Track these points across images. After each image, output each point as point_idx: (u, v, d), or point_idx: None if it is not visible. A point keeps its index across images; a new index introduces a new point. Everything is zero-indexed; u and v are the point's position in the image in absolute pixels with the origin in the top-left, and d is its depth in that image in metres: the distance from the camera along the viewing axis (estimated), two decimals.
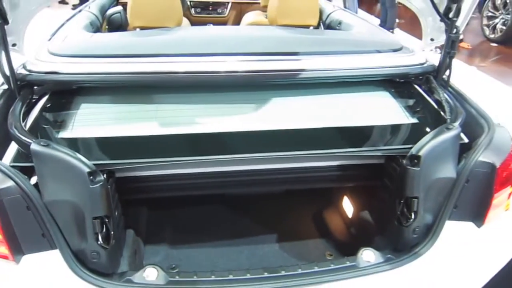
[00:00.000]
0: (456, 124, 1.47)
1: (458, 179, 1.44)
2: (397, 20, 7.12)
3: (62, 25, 2.06)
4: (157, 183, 1.61)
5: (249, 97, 1.71)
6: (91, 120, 1.57)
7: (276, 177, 1.71)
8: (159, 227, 1.97)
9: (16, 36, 1.65)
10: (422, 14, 1.97)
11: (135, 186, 1.62)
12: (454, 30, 1.71)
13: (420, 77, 1.82)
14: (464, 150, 1.50)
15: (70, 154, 1.26)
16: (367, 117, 1.71)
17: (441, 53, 1.76)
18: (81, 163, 1.25)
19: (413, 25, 2.05)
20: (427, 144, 1.40)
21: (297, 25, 2.30)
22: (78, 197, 1.26)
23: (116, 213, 1.42)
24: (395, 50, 1.81)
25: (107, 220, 1.31)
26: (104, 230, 1.31)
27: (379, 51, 1.78)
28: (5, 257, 1.26)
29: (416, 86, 1.84)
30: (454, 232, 1.48)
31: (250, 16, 3.16)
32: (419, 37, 2.07)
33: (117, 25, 2.65)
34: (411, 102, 1.79)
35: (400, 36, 6.26)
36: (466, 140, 1.56)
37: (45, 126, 1.50)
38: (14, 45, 1.65)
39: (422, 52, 1.88)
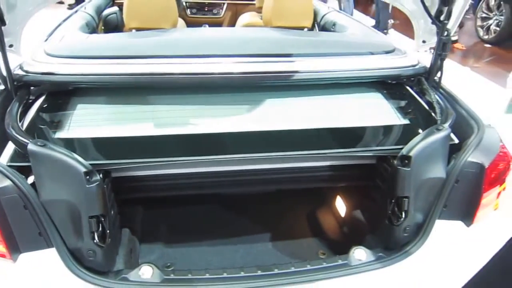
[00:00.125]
0: (446, 125, 1.50)
1: (448, 179, 1.47)
2: (392, 21, 7.16)
3: (59, 25, 2.08)
4: (152, 182, 1.63)
5: (243, 98, 1.74)
6: (88, 121, 1.59)
7: (270, 177, 1.74)
8: (154, 226, 1.99)
9: (13, 37, 1.66)
10: (414, 17, 2.00)
11: (131, 186, 1.64)
12: (445, 33, 1.74)
13: (412, 79, 1.85)
14: (455, 150, 1.53)
15: (66, 154, 1.27)
16: (359, 118, 1.74)
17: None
18: (78, 163, 1.27)
19: (407, 26, 2.07)
20: (417, 145, 1.43)
21: (292, 26, 2.33)
22: (75, 197, 1.27)
23: (112, 212, 1.44)
24: (387, 52, 1.83)
25: (103, 219, 1.32)
26: (100, 229, 1.32)
27: (371, 53, 1.80)
28: (2, 256, 1.28)
29: (408, 88, 1.87)
30: (444, 231, 1.51)
31: (245, 17, 3.18)
32: (414, 38, 2.10)
33: (113, 26, 2.67)
34: (402, 103, 1.82)
35: (393, 37, 6.33)
36: (456, 140, 1.59)
37: (42, 127, 1.52)
38: (11, 46, 1.66)
39: (414, 54, 1.90)
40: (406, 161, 1.43)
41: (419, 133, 1.51)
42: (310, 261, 1.48)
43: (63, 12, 2.55)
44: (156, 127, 1.59)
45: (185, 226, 2.03)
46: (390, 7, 6.51)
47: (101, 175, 1.32)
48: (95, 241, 1.31)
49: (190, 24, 3.54)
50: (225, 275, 1.41)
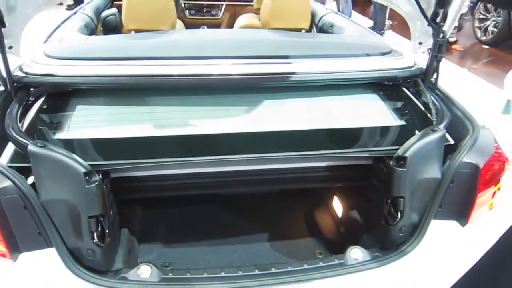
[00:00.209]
0: (441, 126, 1.51)
1: (443, 179, 1.48)
2: (390, 22, 7.22)
3: (58, 27, 2.10)
4: (151, 183, 1.64)
5: (241, 100, 1.75)
6: (87, 122, 1.61)
7: (267, 178, 1.75)
8: (153, 226, 2.00)
9: (13, 39, 1.67)
10: (410, 19, 2.02)
11: (130, 186, 1.65)
12: (441, 35, 1.76)
13: (408, 80, 1.87)
14: (450, 151, 1.55)
15: (66, 155, 1.28)
16: (356, 119, 1.76)
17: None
18: (77, 163, 1.28)
19: (405, 27, 2.09)
20: (413, 146, 1.44)
21: (289, 28, 2.35)
22: (74, 197, 1.29)
23: (111, 213, 1.45)
24: (384, 54, 1.85)
25: (102, 219, 1.34)
26: (100, 229, 1.33)
27: (368, 55, 1.82)
28: (2, 255, 1.29)
29: (404, 89, 1.89)
30: (439, 230, 1.53)
31: (243, 19, 3.21)
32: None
33: (112, 27, 2.68)
34: (399, 104, 1.84)
35: (391, 38, 6.35)
36: (451, 141, 1.61)
37: (42, 128, 1.53)
38: (10, 47, 1.67)
39: (410, 56, 1.92)
40: (402, 162, 1.44)
41: (415, 134, 1.52)
42: (307, 260, 1.50)
43: (62, 13, 2.56)
44: (154, 128, 1.61)
45: (184, 226, 2.04)
46: (388, 9, 6.57)
47: (100, 176, 1.33)
48: (94, 240, 1.32)
49: (188, 25, 3.56)
50: (223, 274, 1.42)
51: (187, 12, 3.83)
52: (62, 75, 1.57)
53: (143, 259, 1.73)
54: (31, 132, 1.46)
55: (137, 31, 2.21)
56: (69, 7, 6.53)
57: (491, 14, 6.86)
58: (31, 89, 1.63)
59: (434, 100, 1.70)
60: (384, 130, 1.72)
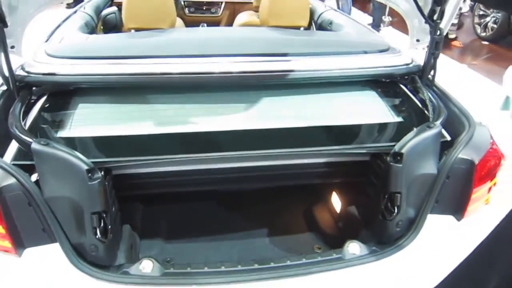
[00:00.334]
0: (438, 122, 1.53)
1: (439, 175, 1.51)
2: (390, 19, 7.22)
3: (58, 26, 2.12)
4: (152, 180, 1.67)
5: (240, 97, 1.78)
6: (89, 120, 1.63)
7: (267, 174, 1.77)
8: (154, 222, 2.03)
9: (15, 39, 1.68)
10: (408, 16, 2.03)
11: (131, 183, 1.67)
12: (438, 32, 1.77)
13: (406, 77, 1.89)
14: (446, 147, 1.57)
15: (69, 153, 1.31)
16: (354, 116, 1.78)
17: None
18: (80, 161, 1.30)
19: (405, 23, 2.11)
20: (409, 142, 1.46)
21: (288, 26, 2.37)
22: (77, 194, 1.31)
23: (113, 209, 1.47)
24: (381, 51, 1.87)
25: (104, 215, 1.36)
26: (102, 224, 1.36)
27: (366, 52, 1.84)
28: (8, 251, 1.32)
29: (402, 86, 1.91)
30: (435, 225, 1.56)
31: (243, 16, 3.22)
32: None
33: (112, 26, 2.70)
34: (396, 101, 1.86)
35: (390, 35, 6.36)
36: (448, 138, 1.63)
37: (44, 126, 1.55)
38: (12, 47, 1.68)
39: (408, 53, 1.94)
40: (399, 158, 1.46)
41: (412, 131, 1.55)
42: (305, 255, 1.52)
43: (62, 12, 2.58)
44: (155, 125, 1.63)
45: (184, 222, 2.07)
46: (387, 6, 6.58)
47: (102, 173, 1.36)
48: (97, 236, 1.35)
49: (188, 23, 3.57)
50: (223, 268, 1.45)
51: (186, 10, 3.84)
52: (64, 74, 1.60)
53: (145, 255, 1.75)
54: (34, 130, 1.48)
55: (137, 29, 2.23)
56: (69, 6, 6.53)
57: (491, 11, 6.85)
58: (33, 88, 1.65)
59: (431, 97, 1.72)
60: (382, 126, 1.74)
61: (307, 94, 1.81)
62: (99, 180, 1.32)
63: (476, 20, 7.17)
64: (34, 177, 1.35)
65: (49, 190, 1.31)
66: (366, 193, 1.71)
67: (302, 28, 2.49)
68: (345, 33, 2.26)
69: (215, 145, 1.58)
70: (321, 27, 2.72)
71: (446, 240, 1.58)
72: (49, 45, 1.77)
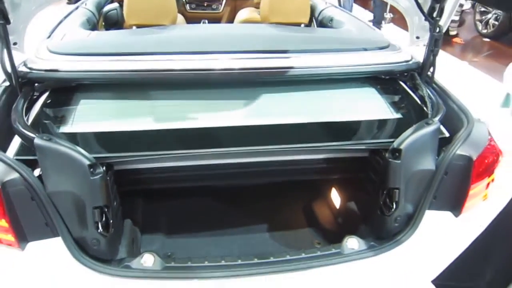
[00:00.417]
0: (436, 119, 1.54)
1: (437, 171, 1.52)
2: (391, 15, 7.21)
3: (60, 22, 2.13)
4: (153, 175, 1.68)
5: (241, 94, 1.79)
6: (90, 116, 1.64)
7: (267, 170, 1.79)
8: (155, 218, 2.04)
9: (17, 35, 1.70)
10: (407, 14, 2.04)
11: (132, 178, 1.69)
12: (437, 29, 1.78)
13: (405, 74, 1.90)
14: (445, 143, 1.58)
15: (71, 148, 1.32)
16: (354, 113, 1.79)
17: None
18: (82, 156, 1.32)
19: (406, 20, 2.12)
20: (407, 138, 1.48)
21: (289, 22, 2.38)
22: (79, 188, 1.33)
23: (115, 204, 1.49)
24: (381, 48, 1.88)
25: (106, 210, 1.38)
26: (104, 219, 1.38)
27: (366, 49, 1.85)
28: (11, 244, 1.34)
29: (401, 83, 1.92)
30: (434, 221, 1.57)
31: (244, 13, 3.22)
32: None
33: (113, 22, 2.71)
34: (396, 98, 1.87)
35: (391, 32, 6.35)
36: (447, 134, 1.65)
37: (46, 122, 1.57)
38: (15, 43, 1.69)
39: (408, 50, 1.95)
40: (397, 154, 1.48)
41: (411, 127, 1.56)
42: (304, 249, 1.54)
43: (63, 7, 2.59)
44: (156, 121, 1.65)
45: (185, 217, 2.08)
46: (389, 5, 6.57)
47: (104, 168, 1.37)
48: (99, 230, 1.36)
49: (189, 19, 3.58)
50: (223, 262, 1.47)
51: (187, 6, 3.85)
52: (66, 71, 1.61)
53: (146, 249, 1.78)
54: (37, 126, 1.50)
55: (138, 26, 2.24)
56: (70, 1, 6.53)
57: None
58: (36, 84, 1.67)
59: (430, 94, 1.73)
60: (381, 123, 1.75)
61: (307, 91, 1.83)
62: (100, 175, 1.34)
63: (478, 17, 7.15)
64: (36, 172, 1.37)
65: (52, 184, 1.32)
66: (365, 189, 1.73)
67: (302, 25, 2.50)
68: (345, 30, 2.27)
69: (215, 141, 1.59)
70: (321, 24, 2.73)
71: (443, 235, 1.60)
72: (51, 42, 1.79)
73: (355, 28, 2.26)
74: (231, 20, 3.76)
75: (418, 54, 1.91)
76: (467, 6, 7.43)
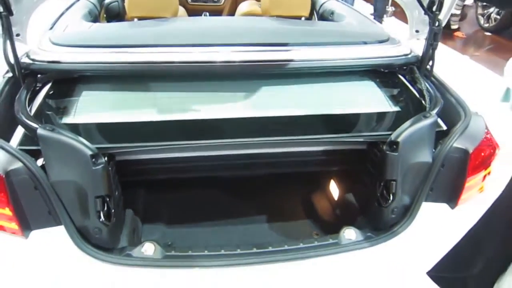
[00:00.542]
0: (433, 112, 1.56)
1: (434, 163, 1.53)
2: (393, 9, 7.19)
3: (62, 14, 2.14)
4: (154, 166, 1.71)
5: (241, 86, 1.81)
6: (93, 107, 1.67)
7: (266, 161, 1.81)
8: (156, 208, 2.07)
9: (20, 27, 1.72)
10: (407, 7, 2.05)
11: (134, 169, 1.71)
12: (437, 23, 1.79)
13: (404, 68, 1.91)
14: (442, 136, 1.60)
15: (74, 138, 1.35)
16: (353, 105, 1.81)
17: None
18: (84, 146, 1.34)
19: None
20: (405, 131, 1.50)
21: (290, 15, 2.38)
22: (82, 178, 1.35)
23: (116, 193, 1.52)
24: (381, 41, 1.89)
25: (108, 199, 1.41)
26: (105, 208, 1.40)
27: (365, 43, 1.86)
28: (15, 232, 1.36)
29: (400, 76, 1.94)
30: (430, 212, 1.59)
31: (245, 6, 3.23)
32: None
33: (115, 14, 2.72)
34: (394, 91, 1.89)
35: (392, 25, 6.33)
36: (444, 127, 1.67)
37: (49, 112, 1.59)
38: (17, 35, 1.71)
39: (407, 43, 1.96)
40: (394, 146, 1.50)
41: (409, 120, 1.58)
42: (302, 240, 1.57)
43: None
44: (157, 113, 1.67)
45: (185, 208, 2.11)
46: None
47: (106, 158, 1.40)
48: (101, 219, 1.39)
49: (190, 12, 3.57)
50: (222, 252, 1.49)
51: None
52: (68, 62, 1.63)
53: (146, 239, 1.81)
54: (39, 116, 1.52)
55: (140, 18, 2.25)
56: None
57: None
58: (38, 75, 1.69)
59: (428, 87, 1.75)
60: (379, 116, 1.77)
61: (307, 84, 1.84)
62: (102, 165, 1.36)
63: (480, 11, 7.12)
64: (39, 161, 1.39)
65: (55, 174, 1.35)
66: (363, 181, 1.75)
67: (303, 18, 2.50)
68: (345, 24, 2.28)
69: (215, 132, 1.62)
70: (322, 17, 2.73)
71: (439, 227, 1.62)
72: (53, 33, 1.80)
73: (356, 21, 2.27)
74: (232, 12, 3.76)
75: (418, 47, 1.92)
76: (470, 0, 7.40)
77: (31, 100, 1.60)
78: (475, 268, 1.10)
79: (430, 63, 1.87)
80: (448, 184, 1.57)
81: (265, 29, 2.00)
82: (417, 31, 2.06)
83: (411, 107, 1.77)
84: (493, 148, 1.62)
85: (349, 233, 1.57)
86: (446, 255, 1.17)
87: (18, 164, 1.31)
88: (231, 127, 1.65)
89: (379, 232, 1.59)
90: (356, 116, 1.78)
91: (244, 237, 1.92)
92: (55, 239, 1.39)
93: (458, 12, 6.73)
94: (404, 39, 2.01)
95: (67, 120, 1.58)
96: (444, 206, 1.61)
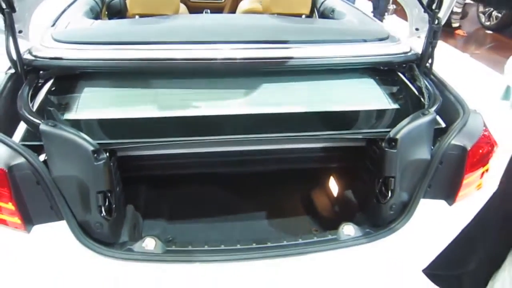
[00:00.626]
0: (432, 110, 1.57)
1: (432, 160, 1.55)
2: (394, 7, 7.19)
3: (64, 11, 2.16)
4: (155, 162, 1.73)
5: (242, 83, 1.82)
6: (94, 103, 1.68)
7: (267, 158, 1.83)
8: (157, 203, 2.09)
9: (22, 23, 1.73)
10: (407, 5, 2.06)
11: (135, 165, 1.73)
12: (436, 21, 1.80)
13: (404, 65, 1.92)
14: (441, 134, 1.61)
15: (76, 134, 1.36)
16: (352, 103, 1.82)
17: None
18: (86, 142, 1.36)
19: None
20: (403, 128, 1.51)
21: (290, 13, 2.39)
22: (83, 173, 1.37)
23: (118, 189, 1.53)
24: (380, 39, 1.90)
25: (109, 195, 1.42)
26: (107, 203, 1.42)
27: (365, 40, 1.87)
28: (17, 227, 1.38)
29: (400, 74, 1.95)
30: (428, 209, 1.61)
31: (246, 3, 3.23)
32: None
33: (116, 11, 2.73)
34: (393, 89, 1.90)
35: (394, 23, 6.33)
36: (443, 124, 1.68)
37: (51, 108, 1.61)
38: (20, 31, 1.72)
39: (407, 41, 1.97)
40: (393, 143, 1.51)
41: (407, 117, 1.59)
42: (301, 235, 1.58)
43: None
44: (158, 109, 1.69)
45: (186, 204, 2.13)
46: None
47: (107, 154, 1.41)
48: (102, 214, 1.41)
49: (191, 9, 3.58)
50: (222, 247, 1.51)
51: None
52: (70, 59, 1.64)
53: (147, 234, 1.82)
54: (41, 112, 1.54)
55: (141, 15, 2.26)
56: None
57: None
58: (41, 71, 1.70)
59: (427, 85, 1.76)
60: (378, 113, 1.79)
61: (307, 81, 1.86)
62: (104, 160, 1.38)
63: (481, 9, 7.12)
64: (42, 157, 1.41)
65: (57, 169, 1.36)
66: (362, 178, 1.76)
67: (304, 16, 2.51)
68: (345, 21, 2.28)
69: (216, 128, 1.63)
70: (323, 15, 2.74)
71: (437, 224, 1.63)
72: (55, 30, 1.82)
73: (356, 19, 2.28)
74: (233, 10, 3.76)
75: (417, 45, 1.93)
76: None
77: (33, 96, 1.62)
78: (469, 265, 1.11)
79: (430, 61, 1.88)
80: (446, 181, 1.59)
81: (265, 27, 2.02)
82: (417, 29, 2.08)
83: (410, 105, 1.79)
84: (491, 145, 1.63)
85: (348, 229, 1.59)
86: (441, 253, 1.19)
87: (20, 159, 1.33)
88: (232, 124, 1.67)
89: (377, 228, 1.60)
90: (356, 113, 1.79)
91: (244, 232, 1.94)
92: (57, 234, 1.41)
93: (459, 10, 6.73)
94: (404, 37, 2.02)
95: (69, 116, 1.59)
96: (442, 203, 1.62)
